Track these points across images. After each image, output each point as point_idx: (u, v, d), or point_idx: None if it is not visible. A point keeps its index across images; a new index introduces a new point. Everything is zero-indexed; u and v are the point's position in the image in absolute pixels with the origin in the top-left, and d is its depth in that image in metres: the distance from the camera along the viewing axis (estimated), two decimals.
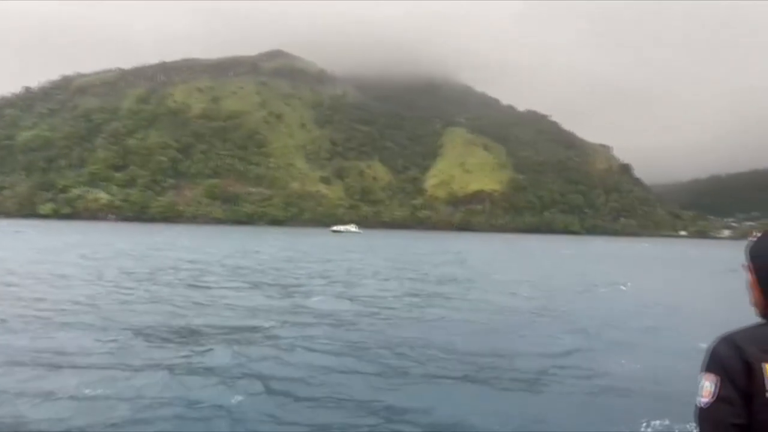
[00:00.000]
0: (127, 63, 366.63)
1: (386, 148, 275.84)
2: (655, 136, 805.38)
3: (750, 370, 1.53)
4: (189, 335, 14.92)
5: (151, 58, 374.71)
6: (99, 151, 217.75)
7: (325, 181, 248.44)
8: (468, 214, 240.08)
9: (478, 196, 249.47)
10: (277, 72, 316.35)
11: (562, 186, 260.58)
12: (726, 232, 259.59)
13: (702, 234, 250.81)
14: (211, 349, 13.16)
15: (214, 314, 18.04)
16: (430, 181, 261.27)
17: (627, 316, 20.59)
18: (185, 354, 12.74)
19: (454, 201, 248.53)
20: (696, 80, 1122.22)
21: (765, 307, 1.69)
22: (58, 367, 11.37)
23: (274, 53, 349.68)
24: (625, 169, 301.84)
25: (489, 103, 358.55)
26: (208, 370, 11.47)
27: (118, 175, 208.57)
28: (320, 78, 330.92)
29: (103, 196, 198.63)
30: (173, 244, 64.97)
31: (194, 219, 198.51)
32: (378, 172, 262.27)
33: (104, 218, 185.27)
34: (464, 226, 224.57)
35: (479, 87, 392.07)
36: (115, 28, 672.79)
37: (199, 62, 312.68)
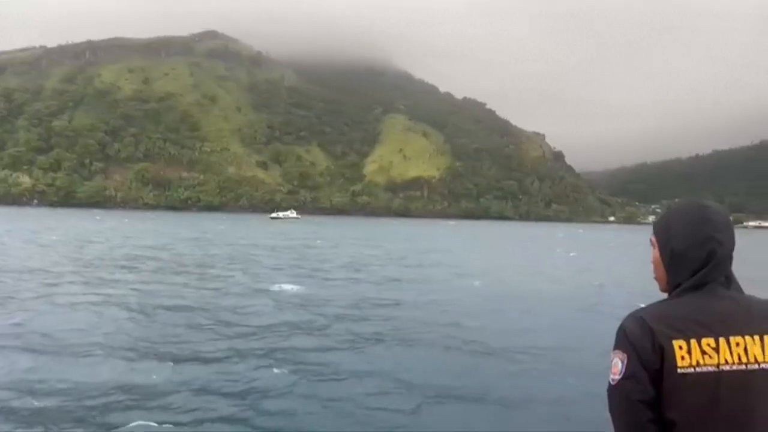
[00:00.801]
0: (51, 41, 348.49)
1: (325, 133, 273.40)
2: (586, 125, 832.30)
3: (659, 347, 1.56)
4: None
5: (78, 37, 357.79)
6: (21, 132, 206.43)
7: (262, 165, 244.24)
8: (407, 200, 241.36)
9: (416, 183, 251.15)
10: (211, 53, 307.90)
11: (498, 173, 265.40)
12: (652, 218, 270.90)
13: (629, 220, 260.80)
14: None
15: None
16: (370, 167, 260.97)
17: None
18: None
19: (393, 187, 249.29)
20: (626, 73, 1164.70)
21: (667, 282, 1.73)
22: None
23: (209, 34, 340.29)
24: (558, 156, 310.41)
25: (428, 90, 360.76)
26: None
27: (41, 158, 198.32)
28: (257, 61, 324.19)
29: (25, 180, 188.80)
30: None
31: (124, 204, 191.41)
32: (316, 157, 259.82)
33: (27, 203, 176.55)
34: (403, 213, 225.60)
35: (418, 74, 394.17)
36: (39, 4, 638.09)
37: (130, 42, 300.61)
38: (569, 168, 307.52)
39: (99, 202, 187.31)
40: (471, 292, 21.51)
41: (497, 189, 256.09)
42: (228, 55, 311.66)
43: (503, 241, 68.70)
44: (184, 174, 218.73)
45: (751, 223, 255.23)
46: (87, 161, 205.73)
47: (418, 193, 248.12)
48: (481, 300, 19.65)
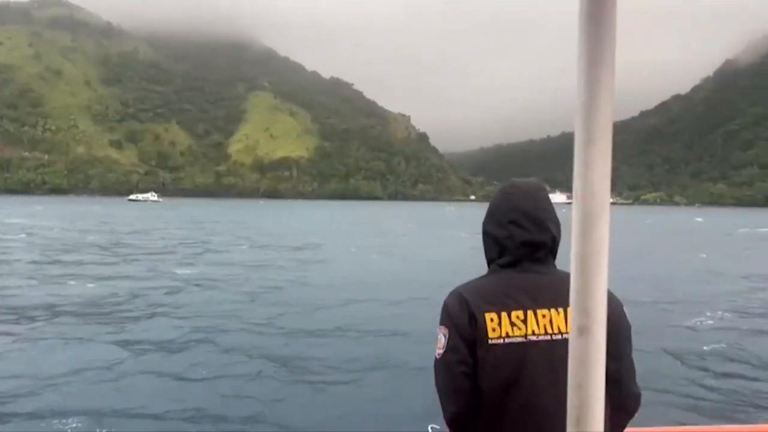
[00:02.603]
0: None
1: (185, 110, 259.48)
2: (448, 108, 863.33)
3: (473, 320, 1.63)
4: None
5: None
6: None
7: (116, 145, 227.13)
8: (275, 181, 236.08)
9: (284, 163, 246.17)
10: (54, 22, 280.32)
11: (366, 153, 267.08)
12: None
13: (488, 198, 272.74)
14: None
15: None
16: (235, 147, 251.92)
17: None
18: None
19: (261, 167, 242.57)
20: (486, 61, 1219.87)
21: (489, 259, 1.80)
22: None
23: (51, 1, 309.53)
24: (423, 138, 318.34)
25: (294, 69, 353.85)
26: None
27: None
28: (107, 32, 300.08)
29: None
30: None
31: None
32: (176, 136, 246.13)
33: None
34: (271, 194, 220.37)
35: (283, 51, 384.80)
36: None
37: None
38: (433, 149, 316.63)
39: None
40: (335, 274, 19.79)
41: (366, 169, 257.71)
42: (74, 25, 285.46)
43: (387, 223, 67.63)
44: (26, 154, 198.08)
45: None
46: None
47: (287, 174, 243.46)
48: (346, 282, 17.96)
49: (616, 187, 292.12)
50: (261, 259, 23.74)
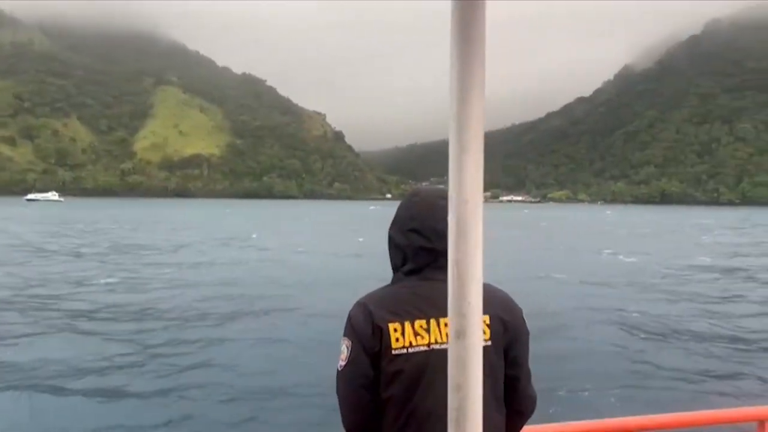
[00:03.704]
0: None
1: (86, 105, 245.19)
2: (364, 106, 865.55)
3: (377, 331, 1.64)
4: None
5: None
6: None
7: (9, 141, 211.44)
8: (185, 179, 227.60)
9: (195, 160, 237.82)
10: None
11: (281, 151, 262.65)
12: None
13: (404, 196, 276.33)
14: None
15: None
16: (141, 144, 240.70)
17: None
18: None
19: (169, 165, 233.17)
20: (401, 62, 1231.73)
21: (394, 266, 1.81)
22: None
23: None
24: (339, 136, 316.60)
25: (204, 63, 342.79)
26: None
27: None
28: None
29: None
30: None
31: None
32: (77, 132, 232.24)
33: None
34: (181, 192, 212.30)
35: (192, 45, 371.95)
36: None
37: None
38: (349, 147, 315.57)
39: None
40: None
41: (281, 168, 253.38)
42: None
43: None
44: None
45: (505, 198, 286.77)
46: None
47: (198, 172, 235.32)
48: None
49: (524, 186, 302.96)
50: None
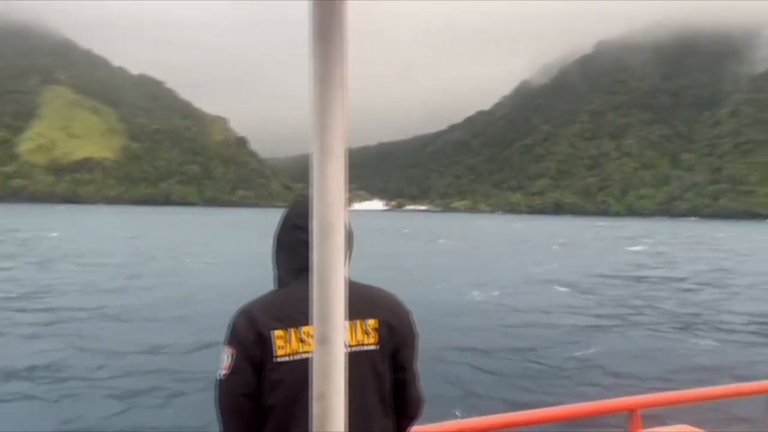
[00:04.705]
0: None
1: None
2: (269, 111, 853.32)
3: (261, 339, 1.61)
4: None
5: None
6: None
7: None
8: (75, 184, 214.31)
9: (86, 164, 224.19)
10: None
11: (180, 156, 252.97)
12: None
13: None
14: None
15: None
16: (26, 146, 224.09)
17: None
18: None
19: (58, 169, 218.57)
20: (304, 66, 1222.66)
21: (278, 271, 1.79)
22: None
23: None
24: (242, 142, 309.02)
25: (96, 63, 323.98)
26: None
27: None
28: None
29: None
30: None
31: None
32: None
33: None
34: (70, 198, 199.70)
35: (84, 43, 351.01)
36: None
37: None
38: (253, 154, 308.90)
39: None
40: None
41: (180, 173, 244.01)
42: None
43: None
44: None
45: (409, 207, 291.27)
46: None
47: (89, 176, 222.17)
48: None
49: (428, 195, 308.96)
50: None
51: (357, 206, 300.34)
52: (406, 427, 1.82)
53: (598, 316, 16.28)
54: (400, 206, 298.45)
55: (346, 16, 0.66)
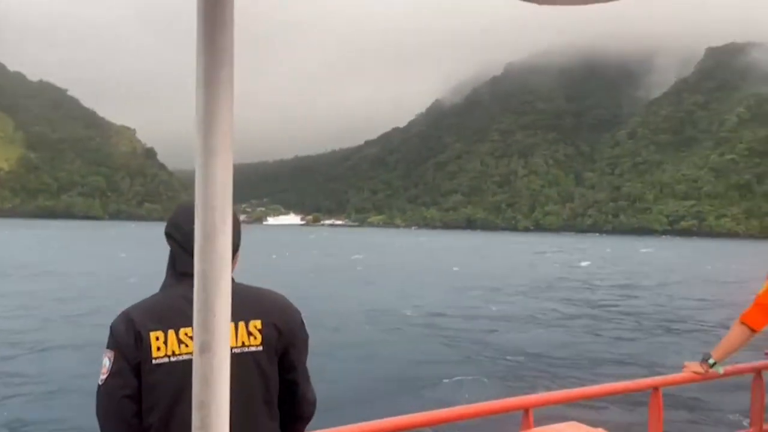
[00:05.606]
0: None
1: None
2: (179, 122, 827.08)
3: (139, 340, 1.59)
4: None
5: None
6: None
7: None
8: None
9: None
10: None
11: (83, 167, 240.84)
12: (243, 217, 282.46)
13: None
14: None
15: None
16: None
17: None
18: None
19: None
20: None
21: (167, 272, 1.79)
22: None
23: None
24: (150, 153, 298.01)
25: None
26: None
27: None
28: None
29: None
30: None
31: None
32: None
33: None
34: None
35: None
36: None
37: None
38: (162, 165, 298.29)
39: None
40: None
41: (83, 185, 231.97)
42: None
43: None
44: None
45: (326, 221, 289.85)
46: None
47: None
48: None
49: (345, 210, 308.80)
50: None
51: (272, 220, 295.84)
52: (301, 428, 1.83)
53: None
54: (316, 220, 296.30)
55: (232, 14, 0.64)
